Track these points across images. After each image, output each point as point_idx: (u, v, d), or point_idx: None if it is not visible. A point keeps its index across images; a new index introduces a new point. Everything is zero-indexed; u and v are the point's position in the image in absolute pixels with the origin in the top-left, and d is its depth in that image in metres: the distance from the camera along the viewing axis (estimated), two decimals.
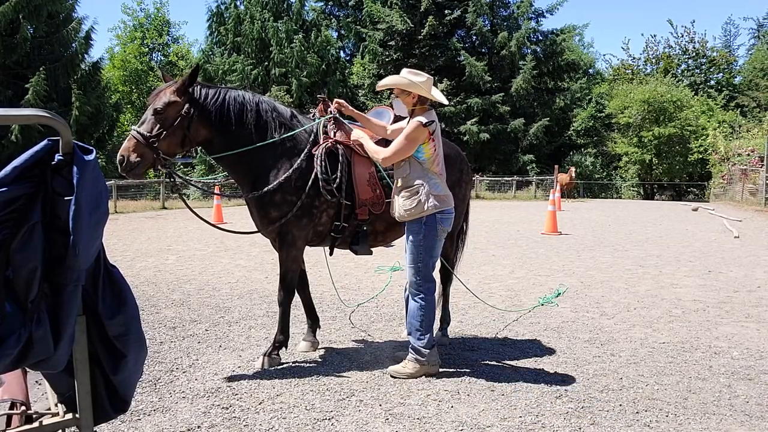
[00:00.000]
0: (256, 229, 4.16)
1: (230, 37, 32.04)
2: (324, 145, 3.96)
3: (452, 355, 4.26)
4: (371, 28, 33.22)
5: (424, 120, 3.63)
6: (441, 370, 3.90)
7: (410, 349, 3.78)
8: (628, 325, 5.13)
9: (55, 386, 1.69)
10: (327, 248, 4.30)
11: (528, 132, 31.46)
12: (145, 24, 41.96)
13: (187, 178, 3.90)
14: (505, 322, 5.17)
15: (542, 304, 5.75)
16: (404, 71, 3.74)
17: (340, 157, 3.96)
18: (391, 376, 3.75)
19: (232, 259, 8.77)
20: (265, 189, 3.80)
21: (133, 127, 3.56)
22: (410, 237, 3.73)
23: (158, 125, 3.57)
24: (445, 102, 4.05)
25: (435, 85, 3.87)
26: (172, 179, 3.77)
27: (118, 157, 3.52)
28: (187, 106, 3.63)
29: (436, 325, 4.63)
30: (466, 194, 4.60)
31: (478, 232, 12.30)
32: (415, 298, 3.75)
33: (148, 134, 3.54)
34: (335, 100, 4.08)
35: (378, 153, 3.76)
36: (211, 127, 3.75)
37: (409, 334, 3.79)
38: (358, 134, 3.93)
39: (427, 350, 3.74)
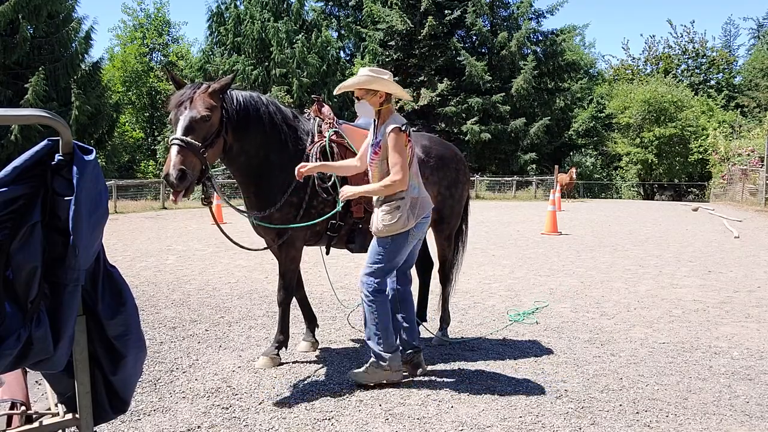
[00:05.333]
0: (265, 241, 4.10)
1: (230, 37, 32.08)
2: (319, 143, 3.94)
3: (452, 355, 4.26)
4: (371, 28, 33.25)
5: (400, 125, 3.45)
6: (441, 369, 3.91)
7: (371, 354, 3.60)
8: (628, 325, 5.13)
9: (55, 386, 1.69)
10: (323, 247, 4.27)
11: (528, 132, 31.48)
12: (145, 24, 41.97)
13: (222, 193, 3.56)
14: (505, 322, 5.17)
15: (514, 321, 5.22)
16: (364, 70, 3.51)
17: (335, 156, 3.95)
18: (353, 380, 3.60)
19: (232, 259, 8.77)
20: (273, 208, 3.75)
21: (175, 136, 3.24)
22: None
23: (205, 133, 3.33)
24: (409, 97, 3.90)
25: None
26: (207, 190, 3.49)
27: (175, 172, 3.13)
28: (223, 111, 3.47)
29: (435, 325, 4.65)
30: (463, 194, 4.56)
31: (478, 232, 12.30)
32: (366, 300, 3.54)
33: (199, 143, 3.27)
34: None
35: (389, 186, 3.40)
36: (234, 132, 3.60)
37: (368, 339, 3.61)
38: (353, 190, 3.52)
39: (388, 354, 3.53)
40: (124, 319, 1.58)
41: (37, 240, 1.37)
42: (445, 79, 31.11)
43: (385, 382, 3.56)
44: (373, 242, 3.58)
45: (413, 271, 4.54)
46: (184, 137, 3.25)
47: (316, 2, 38.61)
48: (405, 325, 3.76)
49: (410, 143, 3.51)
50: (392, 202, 3.44)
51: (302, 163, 3.60)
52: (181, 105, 3.36)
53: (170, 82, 3.64)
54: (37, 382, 2.20)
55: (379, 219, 3.48)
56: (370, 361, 3.60)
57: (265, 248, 4.22)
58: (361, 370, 3.62)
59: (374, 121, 3.60)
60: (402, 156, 3.40)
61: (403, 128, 3.44)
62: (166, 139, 28.83)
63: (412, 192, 3.49)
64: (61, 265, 1.39)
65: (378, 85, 3.44)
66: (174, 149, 3.23)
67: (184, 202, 20.96)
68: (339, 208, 3.84)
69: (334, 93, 3.83)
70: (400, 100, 33.36)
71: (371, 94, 3.47)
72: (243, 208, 4.04)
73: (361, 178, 3.90)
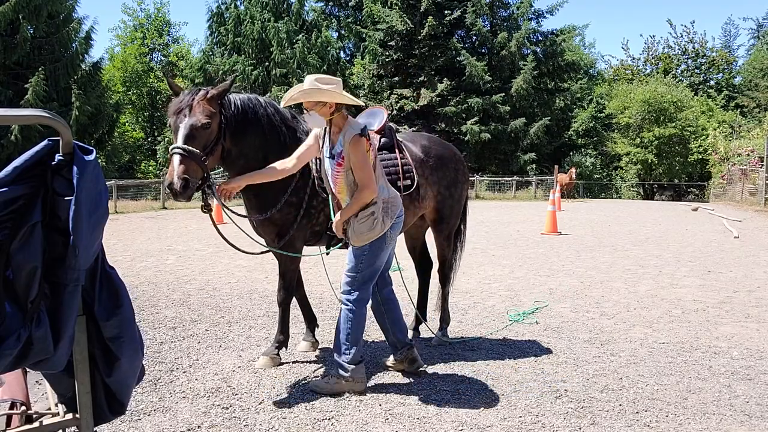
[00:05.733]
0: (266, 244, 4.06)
1: (230, 37, 32.07)
2: None
3: (452, 355, 4.26)
4: (371, 28, 33.23)
5: (358, 132, 3.34)
6: (441, 369, 3.91)
7: (335, 364, 3.54)
8: (628, 325, 5.13)
9: (56, 386, 1.69)
10: (323, 247, 4.26)
11: (528, 132, 31.50)
12: (146, 24, 41.96)
13: (221, 198, 3.53)
14: (505, 322, 5.17)
15: (514, 321, 5.25)
16: (310, 79, 3.36)
17: None
18: (312, 390, 3.52)
19: (232, 259, 8.77)
20: (274, 209, 3.73)
21: (177, 145, 3.25)
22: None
23: (205, 140, 3.33)
24: (360, 103, 3.67)
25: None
26: (207, 197, 3.48)
27: (179, 181, 3.17)
28: (222, 117, 3.46)
29: (435, 324, 4.65)
30: (462, 194, 4.56)
31: (478, 232, 12.30)
32: (345, 308, 3.49)
33: (199, 151, 3.28)
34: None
35: (361, 199, 3.34)
36: (233, 136, 3.58)
37: (334, 349, 3.55)
38: (338, 220, 3.46)
39: (352, 366, 3.46)
40: (119, 321, 1.57)
41: (37, 240, 1.37)
42: (445, 79, 31.11)
43: (347, 392, 3.47)
44: (350, 250, 3.51)
45: (413, 272, 4.52)
46: (185, 146, 3.25)
47: (316, 2, 38.66)
48: (392, 326, 3.73)
49: (371, 146, 3.43)
50: (366, 209, 3.38)
51: (225, 181, 3.55)
52: (180, 112, 3.34)
53: None
54: (37, 382, 2.20)
55: (355, 230, 3.41)
56: (332, 372, 3.55)
57: (266, 251, 4.20)
58: (322, 380, 3.57)
59: (326, 129, 3.49)
60: (367, 164, 3.34)
61: (361, 133, 3.35)
62: (166, 140, 28.76)
63: (382, 194, 3.43)
64: (61, 265, 1.39)
65: (324, 96, 3.29)
66: (176, 158, 3.23)
67: (184, 203, 20.98)
68: (345, 240, 3.72)
69: (281, 106, 3.70)
70: (402, 99, 32.68)
71: (320, 105, 3.34)
72: (243, 210, 4.04)
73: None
